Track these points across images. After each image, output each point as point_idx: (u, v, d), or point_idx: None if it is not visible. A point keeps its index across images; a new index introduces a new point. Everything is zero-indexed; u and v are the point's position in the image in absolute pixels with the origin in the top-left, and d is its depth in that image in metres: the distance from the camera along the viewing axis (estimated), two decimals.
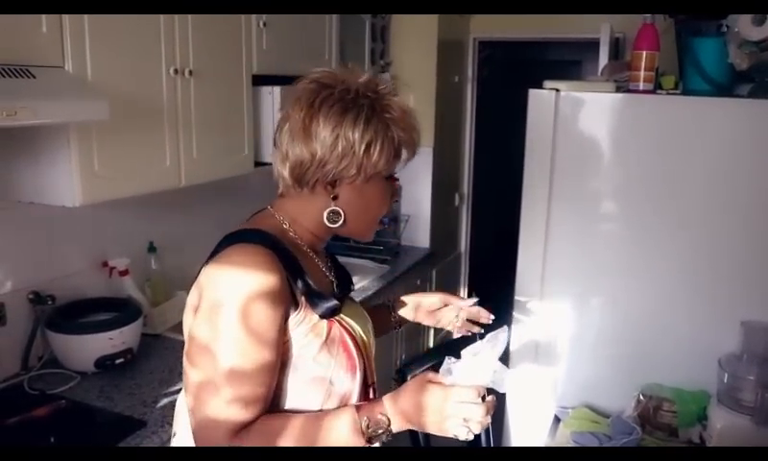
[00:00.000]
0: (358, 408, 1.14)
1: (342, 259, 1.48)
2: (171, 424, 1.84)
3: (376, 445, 1.13)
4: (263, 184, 3.19)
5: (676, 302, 2.03)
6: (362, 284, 3.22)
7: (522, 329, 2.21)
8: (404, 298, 1.62)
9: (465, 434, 1.09)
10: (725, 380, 1.87)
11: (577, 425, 1.98)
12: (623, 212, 2.08)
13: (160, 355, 2.29)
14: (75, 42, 1.82)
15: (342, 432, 1.13)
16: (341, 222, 1.24)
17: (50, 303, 2.14)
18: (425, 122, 3.85)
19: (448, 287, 4.40)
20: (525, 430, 2.26)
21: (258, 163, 2.72)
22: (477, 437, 1.17)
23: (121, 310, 2.21)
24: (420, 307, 1.59)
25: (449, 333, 1.62)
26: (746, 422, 1.80)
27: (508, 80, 4.37)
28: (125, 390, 2.04)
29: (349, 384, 1.24)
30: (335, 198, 1.23)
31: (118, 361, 2.12)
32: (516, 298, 2.21)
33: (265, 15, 2.60)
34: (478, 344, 1.13)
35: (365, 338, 1.30)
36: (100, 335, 2.09)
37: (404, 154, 1.25)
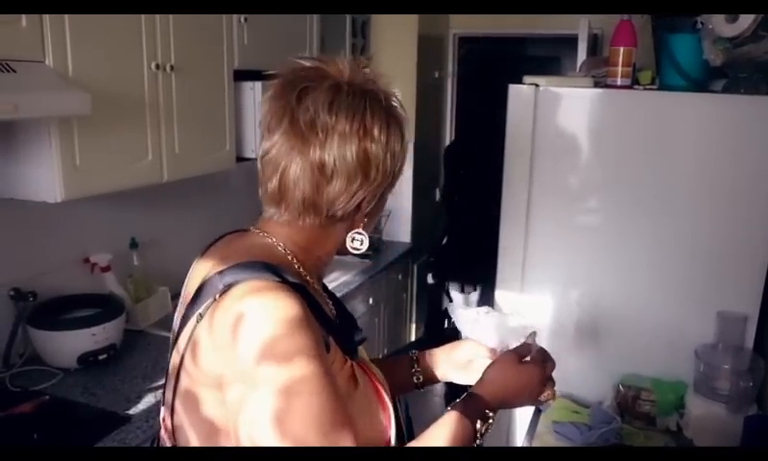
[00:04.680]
0: (459, 411, 1.01)
1: None
2: (155, 419, 1.86)
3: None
4: (245, 180, 3.22)
5: (654, 294, 2.07)
6: (343, 279, 3.24)
7: None
8: (429, 352, 1.33)
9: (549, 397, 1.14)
10: (701, 370, 1.91)
11: (558, 415, 2.01)
12: (602, 205, 2.11)
13: (143, 351, 2.28)
14: (55, 37, 1.81)
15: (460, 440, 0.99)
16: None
17: (31, 299, 2.12)
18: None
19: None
20: (506, 420, 2.29)
21: (240, 159, 2.72)
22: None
23: (103, 306, 2.20)
24: (448, 362, 1.30)
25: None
26: (721, 409, 1.85)
27: (488, 75, 4.39)
28: (108, 386, 2.04)
29: (386, 442, 1.01)
30: (367, 216, 1.04)
31: (101, 357, 2.12)
32: (497, 290, 2.24)
33: None
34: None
35: (386, 384, 1.07)
36: (82, 331, 2.08)
37: None
